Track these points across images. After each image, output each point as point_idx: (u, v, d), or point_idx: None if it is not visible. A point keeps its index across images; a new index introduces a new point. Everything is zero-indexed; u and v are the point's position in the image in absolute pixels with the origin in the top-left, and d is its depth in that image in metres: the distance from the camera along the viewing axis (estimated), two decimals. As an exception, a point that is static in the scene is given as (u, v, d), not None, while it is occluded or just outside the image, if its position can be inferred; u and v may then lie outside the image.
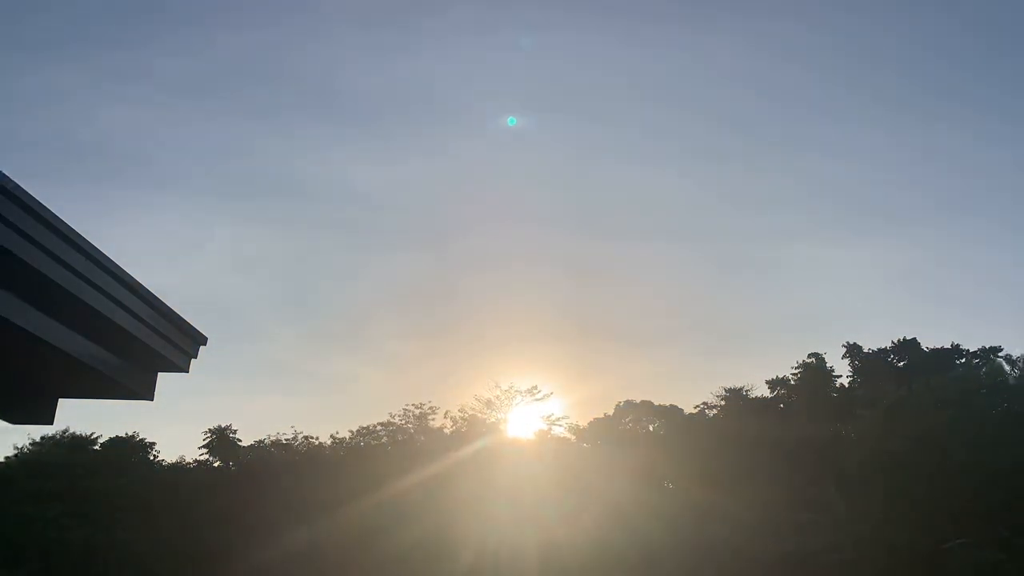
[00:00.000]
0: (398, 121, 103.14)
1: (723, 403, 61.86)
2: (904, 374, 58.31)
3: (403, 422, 60.25)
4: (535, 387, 61.41)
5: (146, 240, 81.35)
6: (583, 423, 62.92)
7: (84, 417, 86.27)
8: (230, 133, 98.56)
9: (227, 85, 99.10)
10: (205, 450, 59.30)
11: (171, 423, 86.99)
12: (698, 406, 63.27)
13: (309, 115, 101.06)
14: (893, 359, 65.50)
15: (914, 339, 65.91)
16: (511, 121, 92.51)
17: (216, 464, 59.53)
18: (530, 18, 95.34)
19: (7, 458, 57.28)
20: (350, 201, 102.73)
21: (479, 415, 60.26)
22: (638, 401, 65.56)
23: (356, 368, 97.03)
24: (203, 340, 6.43)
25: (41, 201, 4.52)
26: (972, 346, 63.95)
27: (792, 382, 63.45)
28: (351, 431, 60.48)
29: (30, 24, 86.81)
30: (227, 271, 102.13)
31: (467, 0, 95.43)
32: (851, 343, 65.87)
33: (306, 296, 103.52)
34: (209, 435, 59.06)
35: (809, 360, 63.43)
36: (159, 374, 6.46)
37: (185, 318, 6.15)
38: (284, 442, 58.66)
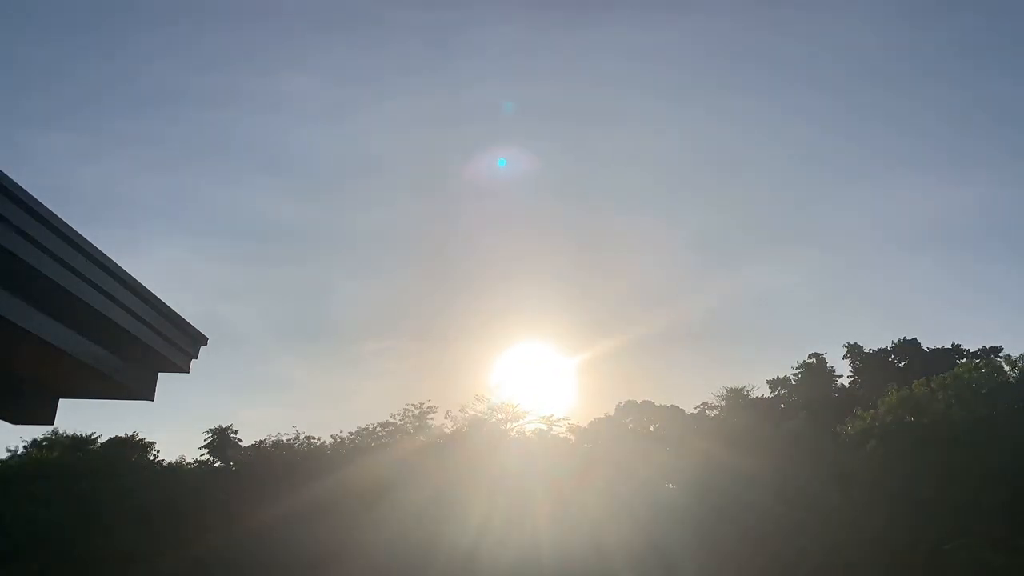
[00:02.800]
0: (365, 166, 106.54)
1: (724, 403, 61.80)
2: (904, 374, 58.27)
3: (403, 422, 60.25)
4: (536, 387, 61.49)
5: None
6: (584, 423, 62.89)
7: (84, 417, 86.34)
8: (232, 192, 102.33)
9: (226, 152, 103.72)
10: (206, 450, 59.29)
11: (172, 424, 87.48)
12: (699, 406, 63.21)
13: (268, 169, 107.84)
14: (893, 359, 65.53)
15: (914, 339, 66.01)
16: (501, 162, 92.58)
17: (216, 464, 59.45)
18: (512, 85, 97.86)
19: (7, 458, 57.30)
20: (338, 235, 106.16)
21: (479, 415, 60.24)
22: (639, 401, 65.48)
23: (355, 380, 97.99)
24: (203, 340, 6.40)
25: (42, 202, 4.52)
26: (972, 346, 64.12)
27: (793, 382, 63.48)
28: (351, 431, 60.59)
29: (41, 99, 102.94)
30: (214, 301, 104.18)
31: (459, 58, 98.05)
32: (851, 343, 66.01)
33: (299, 316, 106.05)
34: (210, 435, 59.03)
35: (810, 360, 63.51)
36: (159, 374, 6.45)
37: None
38: (285, 442, 58.63)
